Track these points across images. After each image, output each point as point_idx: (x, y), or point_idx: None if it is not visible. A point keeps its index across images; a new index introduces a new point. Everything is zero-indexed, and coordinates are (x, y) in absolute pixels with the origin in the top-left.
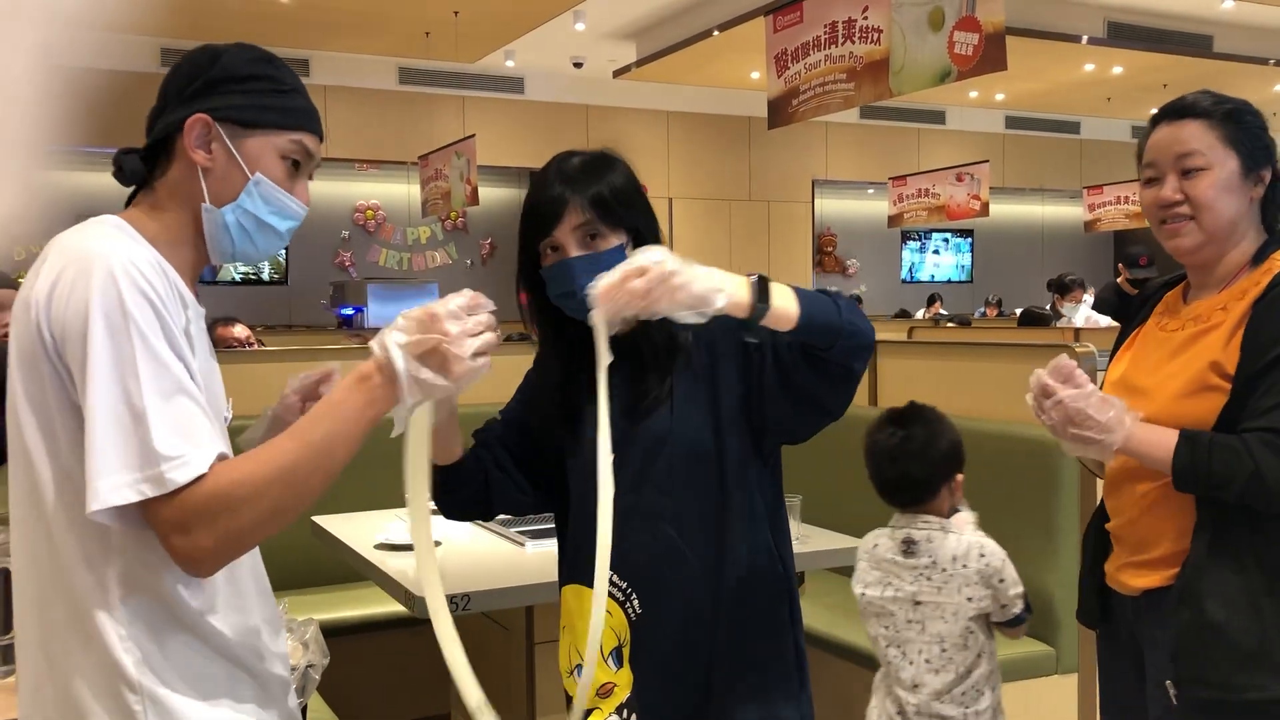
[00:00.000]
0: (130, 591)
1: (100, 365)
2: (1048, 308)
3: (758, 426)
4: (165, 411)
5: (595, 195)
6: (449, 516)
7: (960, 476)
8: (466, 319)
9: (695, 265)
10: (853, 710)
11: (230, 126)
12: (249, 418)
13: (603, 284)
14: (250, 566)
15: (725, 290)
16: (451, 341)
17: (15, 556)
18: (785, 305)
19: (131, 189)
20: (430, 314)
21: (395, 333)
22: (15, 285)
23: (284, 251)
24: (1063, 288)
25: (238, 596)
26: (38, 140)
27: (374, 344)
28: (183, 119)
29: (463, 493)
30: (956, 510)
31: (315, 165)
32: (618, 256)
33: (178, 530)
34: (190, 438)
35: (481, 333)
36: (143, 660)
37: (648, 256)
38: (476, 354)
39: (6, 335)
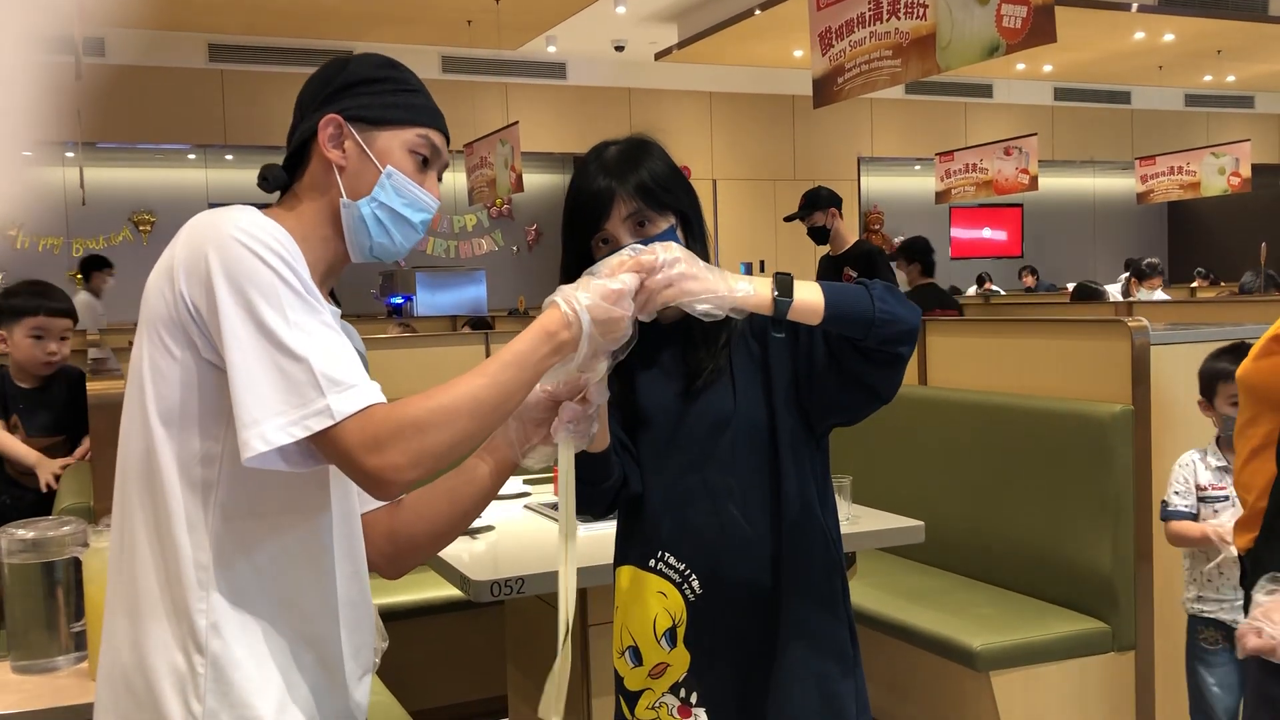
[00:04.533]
0: (219, 558)
1: (244, 316)
2: (1116, 288)
3: (809, 407)
4: (322, 347)
5: (639, 183)
6: (592, 511)
7: None
8: (629, 276)
9: (717, 271)
10: (904, 687)
11: (360, 125)
12: None
13: (614, 260)
14: (347, 547)
15: (745, 291)
16: (622, 313)
17: (118, 519)
18: (809, 298)
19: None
20: (611, 292)
21: (582, 293)
22: (71, 312)
23: None
24: (1140, 273)
25: (321, 578)
26: (32, 129)
27: (560, 299)
28: (316, 123)
29: (609, 482)
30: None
31: (444, 164)
32: (670, 238)
33: (370, 450)
34: (347, 367)
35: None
36: (215, 627)
37: (657, 247)
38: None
39: (50, 361)
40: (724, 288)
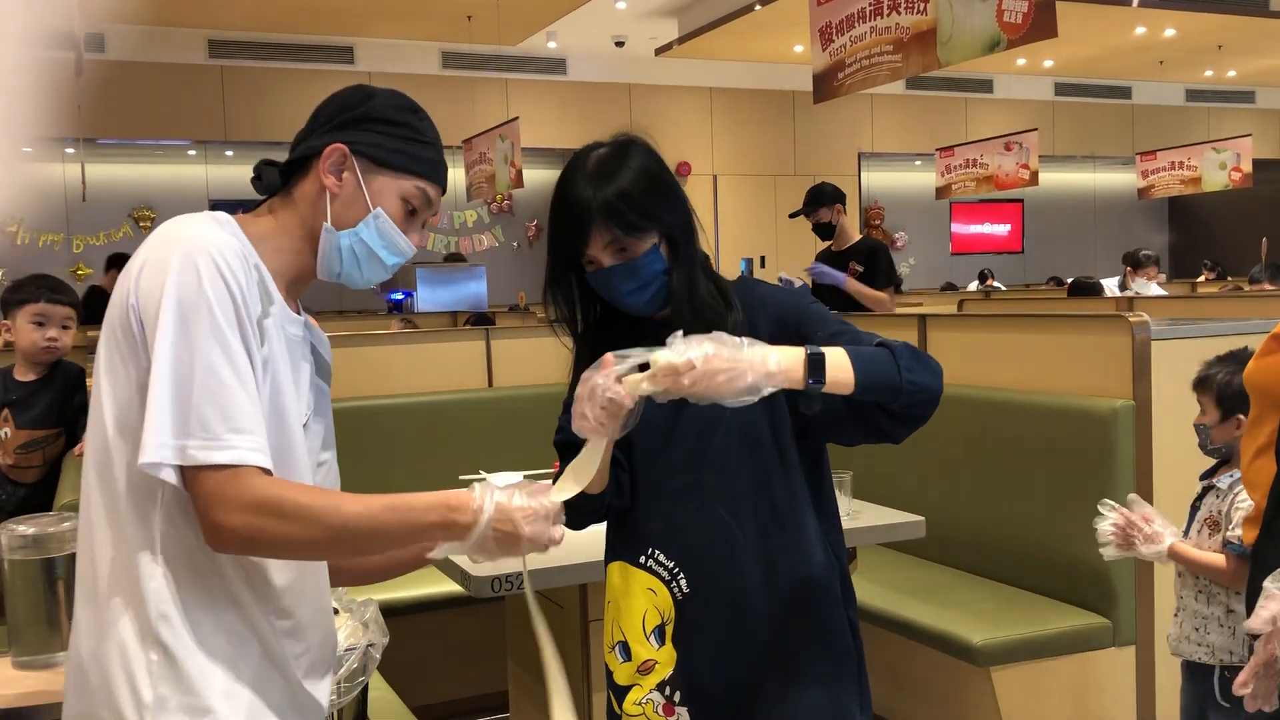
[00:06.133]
0: (169, 549)
1: (169, 337)
2: (1113, 283)
3: (812, 426)
4: (215, 392)
5: (614, 210)
6: (575, 528)
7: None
8: (549, 526)
9: (746, 351)
10: (904, 683)
11: (364, 161)
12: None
13: (661, 365)
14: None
15: (776, 374)
16: (529, 540)
17: (82, 508)
18: (841, 377)
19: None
20: (532, 513)
21: (500, 498)
22: (75, 303)
23: None
24: (1135, 262)
25: (262, 578)
26: (30, 124)
27: (480, 491)
28: (325, 145)
29: (597, 514)
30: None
31: (432, 214)
32: (653, 260)
33: (223, 505)
34: (230, 421)
35: (549, 543)
36: (164, 617)
37: (692, 353)
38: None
39: (51, 347)
40: (752, 375)
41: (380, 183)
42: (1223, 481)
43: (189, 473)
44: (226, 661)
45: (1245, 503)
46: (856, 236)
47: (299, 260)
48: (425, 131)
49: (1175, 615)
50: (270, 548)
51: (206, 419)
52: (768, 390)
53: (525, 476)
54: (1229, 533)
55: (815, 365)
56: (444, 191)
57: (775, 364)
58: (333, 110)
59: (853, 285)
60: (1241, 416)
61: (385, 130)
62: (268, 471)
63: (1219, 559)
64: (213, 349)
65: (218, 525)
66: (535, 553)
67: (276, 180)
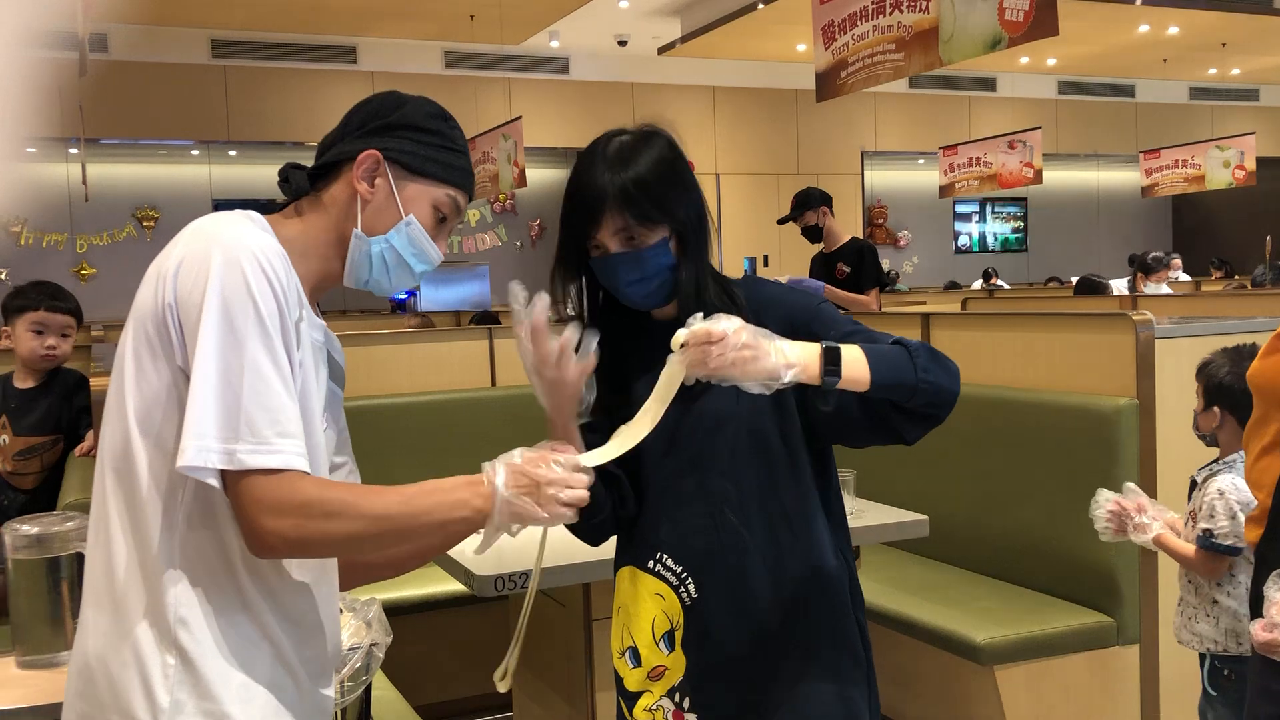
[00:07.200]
0: (189, 552)
1: (213, 337)
2: (1122, 283)
3: (820, 427)
4: (263, 395)
5: (628, 197)
6: (592, 543)
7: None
8: (569, 474)
9: (769, 339)
10: (908, 682)
11: (397, 168)
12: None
13: (676, 341)
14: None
15: (795, 366)
16: (548, 484)
17: (95, 509)
18: (856, 373)
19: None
20: (542, 458)
21: (510, 462)
22: (75, 311)
23: None
24: (1146, 267)
25: (277, 583)
26: (27, 123)
27: (487, 465)
28: (358, 151)
29: (598, 517)
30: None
31: (459, 222)
32: (660, 253)
33: (272, 510)
34: (277, 425)
35: (577, 489)
36: (183, 621)
37: (723, 325)
38: (566, 504)
39: (49, 355)
40: (771, 364)
41: (413, 190)
42: (1200, 474)
43: (232, 477)
44: (242, 665)
45: (1209, 496)
46: (845, 238)
47: (324, 265)
48: (456, 140)
49: (1178, 605)
50: (318, 548)
51: (255, 422)
52: (787, 378)
53: None
54: (1199, 525)
55: (831, 359)
56: (471, 199)
57: (794, 355)
58: (365, 116)
59: (831, 293)
60: (1217, 409)
61: (418, 138)
62: (306, 474)
63: (1189, 548)
64: (259, 351)
65: (265, 530)
66: (563, 506)
67: (305, 183)
